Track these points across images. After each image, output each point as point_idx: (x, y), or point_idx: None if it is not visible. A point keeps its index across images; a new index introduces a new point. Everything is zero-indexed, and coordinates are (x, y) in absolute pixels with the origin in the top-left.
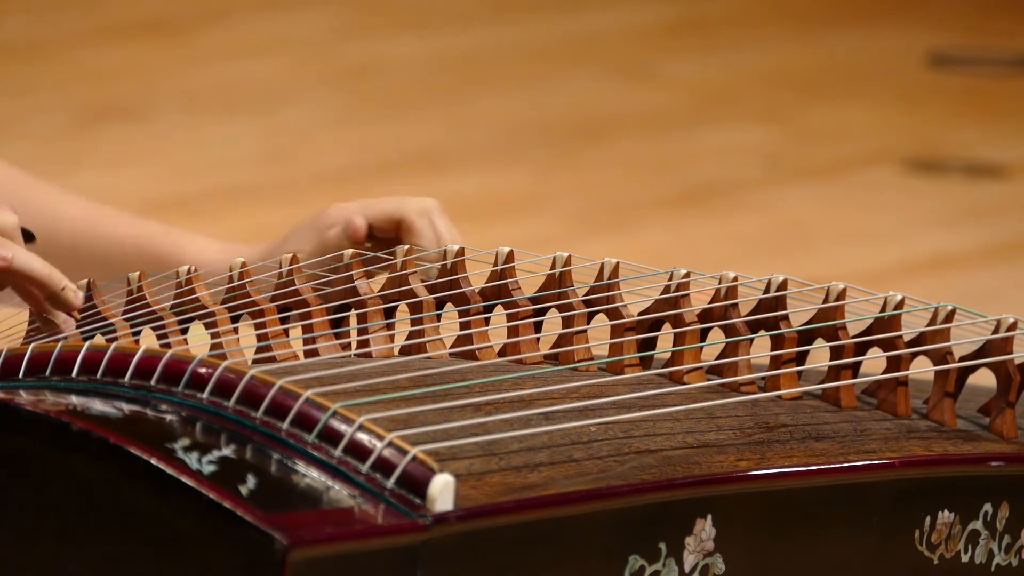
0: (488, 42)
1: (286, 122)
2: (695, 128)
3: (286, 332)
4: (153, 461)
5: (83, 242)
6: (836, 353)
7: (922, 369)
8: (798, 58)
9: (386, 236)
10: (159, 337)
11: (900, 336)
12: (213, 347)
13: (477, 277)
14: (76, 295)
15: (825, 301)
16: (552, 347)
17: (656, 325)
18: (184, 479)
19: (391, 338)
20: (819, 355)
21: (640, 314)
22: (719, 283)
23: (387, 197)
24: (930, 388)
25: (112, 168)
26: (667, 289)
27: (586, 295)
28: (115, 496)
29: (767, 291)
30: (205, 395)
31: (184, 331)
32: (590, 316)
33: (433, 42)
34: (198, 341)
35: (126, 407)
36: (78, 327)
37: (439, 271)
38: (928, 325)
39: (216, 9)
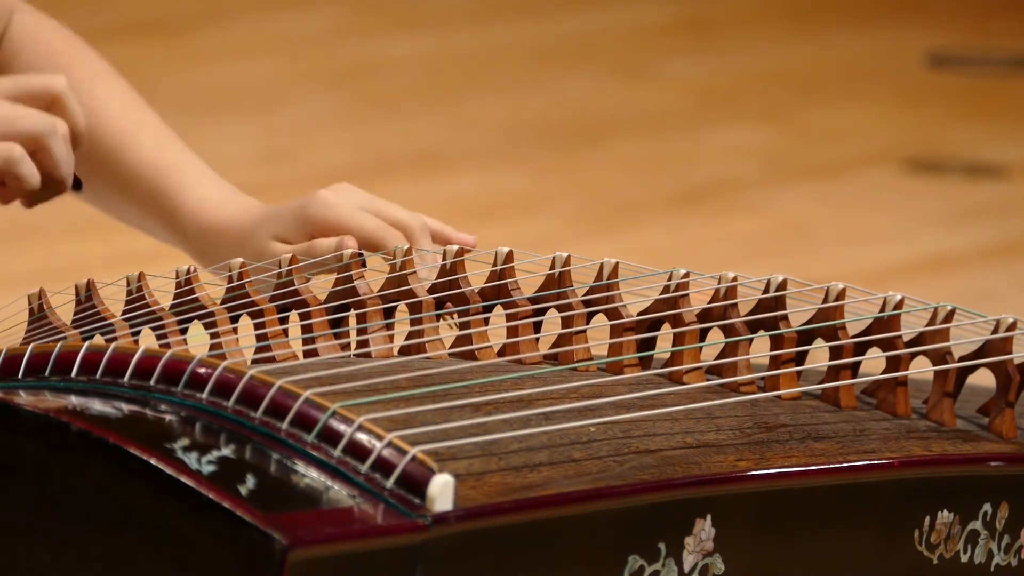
0: (488, 42)
1: (285, 122)
2: (695, 128)
3: (285, 332)
4: (152, 461)
5: (110, 162)
6: (835, 353)
7: (921, 369)
8: (798, 58)
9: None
10: (158, 337)
11: (899, 336)
12: (212, 347)
13: (476, 277)
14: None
15: (824, 301)
16: (551, 347)
17: (655, 325)
18: (183, 479)
19: (390, 338)
20: (818, 355)
21: (639, 314)
22: (718, 283)
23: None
24: (929, 388)
25: None
26: (666, 289)
27: (585, 295)
28: (114, 496)
29: (766, 291)
30: (204, 395)
31: (183, 331)
32: (589, 316)
33: (433, 42)
34: (197, 341)
35: (125, 407)
36: (76, 327)
37: (439, 271)
38: (927, 325)
39: (216, 9)
